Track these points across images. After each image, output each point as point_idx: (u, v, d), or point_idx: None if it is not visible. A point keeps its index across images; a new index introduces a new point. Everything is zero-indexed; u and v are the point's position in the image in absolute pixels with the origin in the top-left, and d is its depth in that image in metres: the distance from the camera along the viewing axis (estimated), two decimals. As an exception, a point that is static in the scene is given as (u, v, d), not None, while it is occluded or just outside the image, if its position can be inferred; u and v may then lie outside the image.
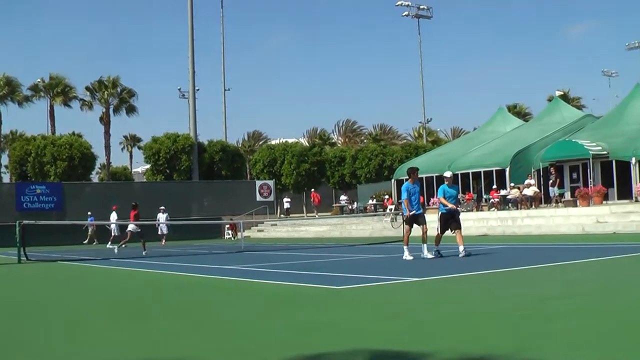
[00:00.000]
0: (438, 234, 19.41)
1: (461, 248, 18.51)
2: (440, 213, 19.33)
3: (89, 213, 47.77)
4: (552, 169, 41.35)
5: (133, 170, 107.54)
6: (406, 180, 19.59)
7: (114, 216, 39.89)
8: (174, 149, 62.61)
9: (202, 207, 57.42)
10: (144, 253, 28.82)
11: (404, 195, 18.77)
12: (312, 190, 61.00)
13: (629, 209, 33.67)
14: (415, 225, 18.99)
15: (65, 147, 59.03)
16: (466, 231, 36.13)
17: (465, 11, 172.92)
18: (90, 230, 48.98)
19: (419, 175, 20.52)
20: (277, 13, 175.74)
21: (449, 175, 19.69)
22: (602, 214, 33.31)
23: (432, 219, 24.02)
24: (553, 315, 8.32)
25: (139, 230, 31.35)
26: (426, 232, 18.80)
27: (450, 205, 18.84)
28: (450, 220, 18.93)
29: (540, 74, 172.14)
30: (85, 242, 48.44)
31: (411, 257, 18.43)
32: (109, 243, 37.15)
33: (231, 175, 65.23)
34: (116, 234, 38.40)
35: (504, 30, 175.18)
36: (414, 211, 18.65)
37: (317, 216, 56.22)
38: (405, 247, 18.91)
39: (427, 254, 18.54)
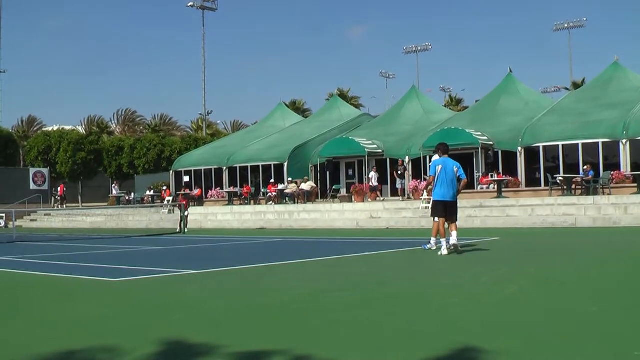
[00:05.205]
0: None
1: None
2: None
3: None
4: (400, 161, 40.89)
5: None
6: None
7: None
8: (-57, 133, 59.11)
9: (-29, 194, 54.30)
10: None
11: (432, 171, 15.20)
12: None
13: (401, 205, 35.06)
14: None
15: None
16: (244, 224, 36.62)
17: (250, 6, 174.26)
18: None
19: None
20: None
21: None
22: (376, 209, 34.45)
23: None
24: (333, 308, 8.42)
25: None
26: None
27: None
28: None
29: (321, 72, 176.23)
30: None
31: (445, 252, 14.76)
32: None
33: (4, 162, 62.85)
34: None
35: (288, 27, 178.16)
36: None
37: None
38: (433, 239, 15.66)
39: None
